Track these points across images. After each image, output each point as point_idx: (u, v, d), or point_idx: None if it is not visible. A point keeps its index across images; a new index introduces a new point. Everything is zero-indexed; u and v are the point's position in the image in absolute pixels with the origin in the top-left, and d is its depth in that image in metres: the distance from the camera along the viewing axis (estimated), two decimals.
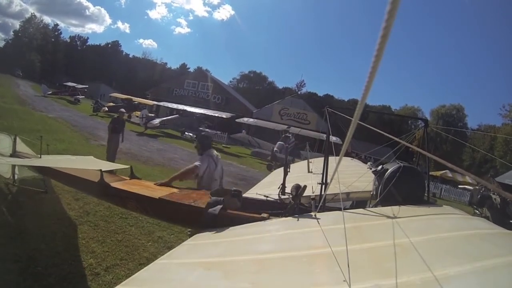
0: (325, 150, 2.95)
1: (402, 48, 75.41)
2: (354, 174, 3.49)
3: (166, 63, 66.64)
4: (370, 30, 69.10)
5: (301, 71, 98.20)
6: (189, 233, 3.43)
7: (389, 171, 2.20)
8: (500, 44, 64.93)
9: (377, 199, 2.21)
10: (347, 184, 3.00)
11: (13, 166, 4.79)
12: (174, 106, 22.83)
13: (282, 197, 2.64)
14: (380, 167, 2.37)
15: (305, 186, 2.26)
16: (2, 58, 45.33)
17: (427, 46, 77.23)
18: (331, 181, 2.09)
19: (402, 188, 2.11)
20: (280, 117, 30.39)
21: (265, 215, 2.21)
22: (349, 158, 5.95)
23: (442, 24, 77.56)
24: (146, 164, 9.60)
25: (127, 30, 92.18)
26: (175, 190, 3.00)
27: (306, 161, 5.06)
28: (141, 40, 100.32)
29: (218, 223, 2.17)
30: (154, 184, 3.29)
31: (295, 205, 2.16)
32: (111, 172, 3.71)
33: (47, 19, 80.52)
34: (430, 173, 3.59)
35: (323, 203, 2.18)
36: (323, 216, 1.95)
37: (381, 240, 1.45)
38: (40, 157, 4.40)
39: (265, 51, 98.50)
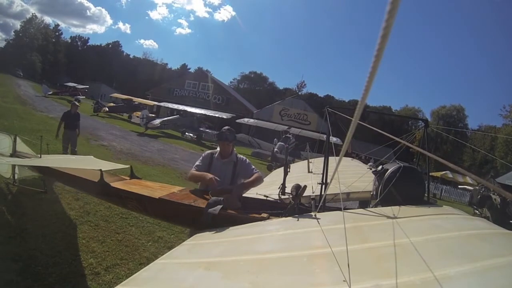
0: (325, 150, 2.95)
1: (403, 48, 75.48)
2: (354, 174, 3.49)
3: (166, 64, 66.76)
4: (371, 30, 69.13)
5: (302, 72, 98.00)
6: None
7: (389, 171, 2.20)
8: (500, 45, 64.95)
9: (377, 199, 2.21)
10: (347, 184, 3.00)
11: (13, 166, 4.79)
12: (175, 106, 22.87)
13: (282, 197, 2.64)
14: (380, 167, 2.37)
15: (305, 186, 2.26)
16: (3, 58, 45.35)
17: (427, 47, 77.35)
18: (331, 181, 2.09)
19: (402, 189, 2.11)
20: (281, 118, 30.43)
21: (265, 215, 2.21)
22: (349, 159, 5.94)
23: (442, 25, 77.58)
24: (146, 164, 9.61)
25: (128, 31, 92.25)
26: (175, 190, 3.00)
27: (306, 161, 5.06)
28: (142, 41, 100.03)
29: (218, 223, 2.17)
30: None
31: (295, 205, 2.17)
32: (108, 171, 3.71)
33: (48, 20, 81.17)
34: (431, 174, 3.60)
35: (323, 203, 2.18)
36: (323, 216, 1.95)
37: (381, 240, 1.45)
38: (40, 157, 4.40)
39: (265, 52, 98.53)
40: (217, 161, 3.05)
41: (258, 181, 2.92)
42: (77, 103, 8.05)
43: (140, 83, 49.13)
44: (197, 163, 3.07)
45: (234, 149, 3.16)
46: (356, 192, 2.94)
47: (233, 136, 3.09)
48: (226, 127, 3.15)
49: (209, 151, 3.18)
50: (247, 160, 3.14)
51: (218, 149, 3.13)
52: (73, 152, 7.36)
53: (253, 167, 3.07)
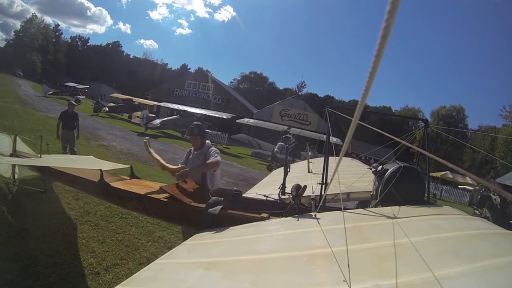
0: (325, 150, 2.95)
1: (403, 48, 75.50)
2: (354, 174, 3.49)
3: (166, 64, 66.73)
4: (371, 30, 69.15)
5: (302, 72, 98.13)
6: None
7: (389, 171, 2.20)
8: (500, 45, 64.98)
9: (377, 199, 2.21)
10: (347, 184, 3.00)
11: (13, 166, 4.79)
12: (175, 106, 22.86)
13: (282, 197, 2.64)
14: (380, 167, 2.37)
15: (305, 186, 2.26)
16: (3, 58, 45.34)
17: (427, 47, 77.35)
18: (331, 181, 2.09)
19: (402, 189, 2.11)
20: (281, 118, 30.41)
21: (265, 215, 2.21)
22: (349, 159, 5.95)
23: (442, 25, 77.59)
24: (146, 164, 9.61)
25: (128, 31, 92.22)
26: (175, 190, 2.99)
27: (306, 161, 5.06)
28: (142, 41, 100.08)
29: (218, 223, 2.17)
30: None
31: (295, 205, 2.17)
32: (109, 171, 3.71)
33: (48, 20, 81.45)
34: (431, 174, 3.60)
35: (323, 203, 2.18)
36: (323, 216, 1.95)
37: (381, 240, 1.45)
38: (40, 157, 4.41)
39: (265, 52, 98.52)
40: (192, 154, 3.44)
41: (210, 165, 3.15)
42: (74, 103, 7.92)
43: (140, 83, 49.14)
44: (181, 160, 3.51)
45: (207, 141, 3.43)
46: (356, 192, 2.94)
47: (198, 130, 3.34)
48: (194, 123, 3.46)
49: (189, 149, 3.56)
50: (216, 150, 3.34)
51: None
52: (72, 152, 7.29)
53: (215, 155, 3.24)
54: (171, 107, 23.47)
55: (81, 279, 3.25)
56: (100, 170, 3.01)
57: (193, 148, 3.43)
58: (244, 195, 2.82)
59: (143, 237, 4.44)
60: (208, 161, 3.18)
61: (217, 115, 21.64)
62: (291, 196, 2.28)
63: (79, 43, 64.04)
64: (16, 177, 4.99)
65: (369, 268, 1.22)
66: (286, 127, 20.48)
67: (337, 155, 1.77)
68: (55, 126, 7.67)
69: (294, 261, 1.40)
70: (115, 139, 13.11)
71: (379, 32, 0.62)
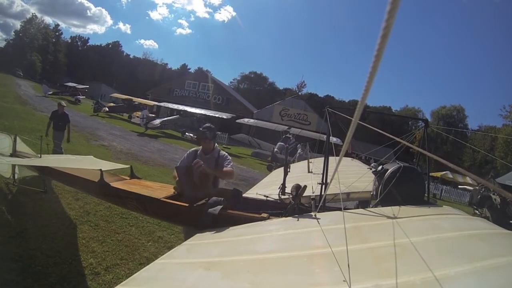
0: (325, 150, 2.95)
1: (403, 48, 75.50)
2: (354, 174, 3.49)
3: (166, 64, 66.67)
4: (371, 30, 69.13)
5: (302, 72, 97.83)
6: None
7: (389, 171, 2.20)
8: (500, 45, 65.00)
9: (377, 199, 2.21)
10: (347, 184, 3.00)
11: (13, 166, 4.79)
12: (175, 106, 22.88)
13: (282, 197, 2.64)
14: (380, 167, 2.37)
15: (305, 186, 2.27)
16: (3, 58, 45.29)
17: (427, 47, 77.32)
18: (331, 181, 2.09)
19: (402, 189, 2.11)
20: (281, 118, 30.42)
21: (265, 215, 2.21)
22: (349, 159, 5.95)
23: (442, 25, 77.59)
24: (146, 164, 9.61)
25: (128, 31, 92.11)
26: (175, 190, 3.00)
27: (306, 161, 5.07)
28: (142, 41, 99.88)
29: (218, 223, 2.17)
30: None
31: (295, 205, 2.17)
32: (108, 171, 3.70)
33: (48, 20, 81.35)
34: (431, 174, 3.60)
35: (323, 203, 2.19)
36: (323, 216, 1.96)
37: (381, 240, 1.45)
38: (40, 157, 4.41)
39: (265, 52, 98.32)
40: (200, 157, 3.15)
41: (227, 174, 3.01)
42: (63, 103, 7.76)
43: (140, 83, 49.12)
44: (182, 159, 3.21)
45: (216, 145, 3.28)
46: (356, 192, 2.94)
47: (212, 134, 3.18)
48: (207, 125, 3.26)
49: (193, 149, 3.31)
50: (228, 156, 3.21)
51: (201, 146, 3.24)
52: (55, 152, 6.89)
53: (230, 163, 3.13)
54: (171, 107, 23.48)
55: (81, 279, 3.25)
56: (100, 170, 3.02)
57: (200, 150, 3.23)
58: (244, 195, 2.83)
59: (143, 237, 4.44)
60: (225, 169, 3.01)
61: (217, 115, 21.64)
62: (291, 196, 2.28)
63: (79, 43, 64.04)
64: (16, 177, 4.99)
65: (369, 268, 1.22)
66: (286, 127, 20.48)
67: (337, 155, 1.77)
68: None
69: (294, 261, 1.40)
70: (115, 139, 13.10)
71: (379, 32, 0.62)
